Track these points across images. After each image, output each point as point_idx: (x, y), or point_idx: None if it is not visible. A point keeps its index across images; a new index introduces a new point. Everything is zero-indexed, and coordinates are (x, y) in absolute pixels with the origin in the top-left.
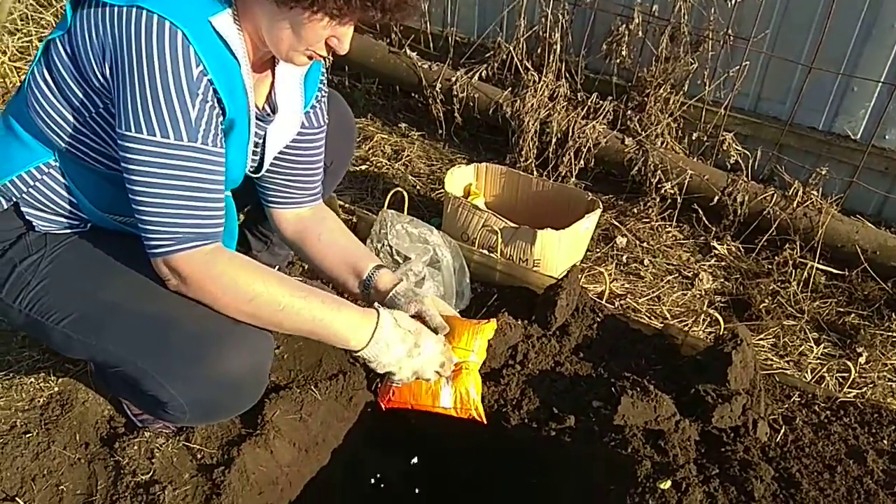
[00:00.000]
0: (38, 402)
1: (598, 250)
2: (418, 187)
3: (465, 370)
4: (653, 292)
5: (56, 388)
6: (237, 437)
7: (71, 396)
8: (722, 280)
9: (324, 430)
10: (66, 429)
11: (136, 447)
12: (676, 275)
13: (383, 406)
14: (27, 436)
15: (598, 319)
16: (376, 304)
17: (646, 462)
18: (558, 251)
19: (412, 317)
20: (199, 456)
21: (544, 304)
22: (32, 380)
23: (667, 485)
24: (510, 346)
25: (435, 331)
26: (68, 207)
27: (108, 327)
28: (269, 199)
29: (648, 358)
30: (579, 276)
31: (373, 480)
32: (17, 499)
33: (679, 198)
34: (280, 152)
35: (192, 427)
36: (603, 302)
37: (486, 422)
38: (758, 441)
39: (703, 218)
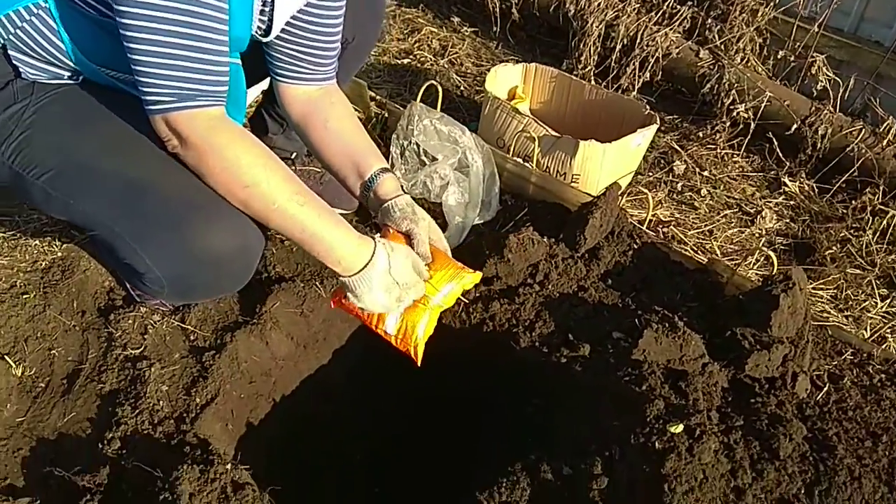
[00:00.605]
0: (41, 265)
1: (650, 174)
2: (462, 88)
3: (422, 306)
4: (705, 226)
5: (59, 254)
6: (233, 323)
7: (73, 263)
8: (787, 221)
9: (325, 328)
10: (64, 294)
11: (130, 321)
12: (736, 210)
13: (332, 304)
14: (24, 297)
15: (635, 246)
16: (377, 236)
17: (658, 402)
18: (601, 167)
19: (401, 233)
20: (192, 337)
21: (575, 223)
22: (37, 242)
23: (678, 429)
24: (531, 265)
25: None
26: (57, 55)
27: (86, 186)
28: (278, 71)
29: (685, 294)
30: (620, 196)
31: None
32: (6, 357)
33: (752, 123)
34: (293, 17)
35: (189, 307)
36: (644, 228)
37: (419, 364)
38: (794, 396)
39: (777, 149)
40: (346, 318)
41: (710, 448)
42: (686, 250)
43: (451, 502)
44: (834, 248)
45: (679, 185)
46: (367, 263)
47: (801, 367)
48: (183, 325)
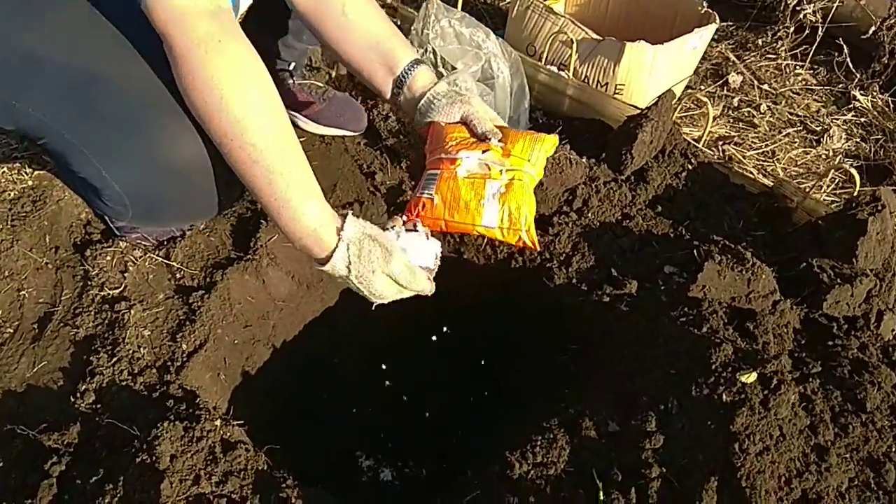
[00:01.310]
0: (9, 195)
1: (702, 88)
2: None
3: (519, 182)
4: (766, 145)
5: (30, 183)
6: (225, 259)
7: (45, 193)
8: (858, 140)
9: None
10: (35, 228)
11: (108, 258)
12: (800, 128)
13: (411, 218)
14: None
15: (690, 167)
16: (349, 215)
17: (726, 346)
18: (651, 74)
19: (457, 123)
20: (178, 275)
21: (620, 139)
22: (5, 170)
23: (751, 378)
24: (567, 189)
25: (484, 136)
26: None
27: (31, 80)
28: None
29: (749, 221)
30: (673, 107)
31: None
32: None
33: (821, 28)
34: None
35: (175, 241)
36: (700, 146)
37: (537, 247)
38: (880, 338)
39: (848, 59)
40: None
41: (787, 400)
42: (747, 171)
43: (477, 464)
44: None
45: (735, 100)
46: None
47: (888, 304)
48: (168, 262)
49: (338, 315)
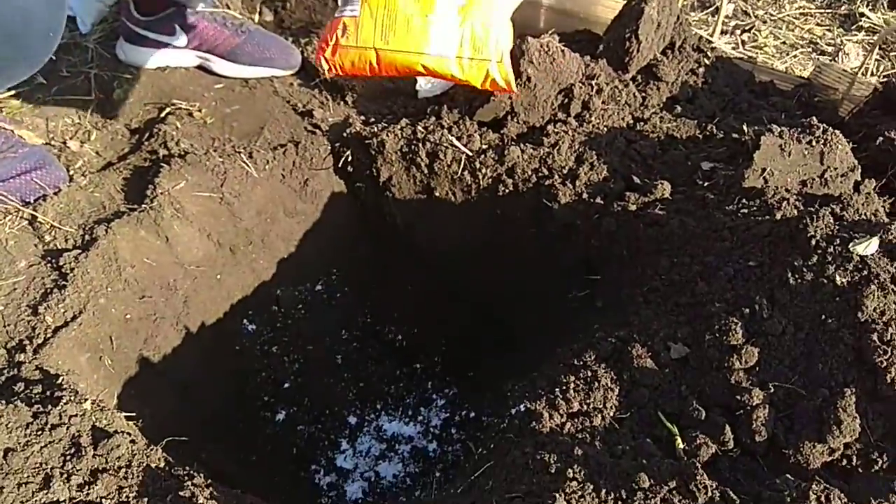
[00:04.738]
0: None
1: (691, 14)
2: None
3: None
4: (780, 64)
5: None
6: (112, 214)
7: None
8: (877, 59)
9: (263, 223)
10: None
11: None
12: (809, 50)
13: (326, 63)
14: None
15: (707, 62)
16: None
17: (825, 215)
18: None
19: None
20: (48, 237)
21: (621, 24)
22: None
23: (871, 247)
24: (562, 90)
25: None
26: None
27: None
28: None
29: (793, 115)
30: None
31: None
32: None
33: None
34: None
35: (45, 199)
36: (715, 40)
37: (514, 89)
38: None
39: None
40: (290, 211)
41: None
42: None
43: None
44: None
45: (731, 23)
46: None
47: None
48: (36, 221)
49: (276, 288)
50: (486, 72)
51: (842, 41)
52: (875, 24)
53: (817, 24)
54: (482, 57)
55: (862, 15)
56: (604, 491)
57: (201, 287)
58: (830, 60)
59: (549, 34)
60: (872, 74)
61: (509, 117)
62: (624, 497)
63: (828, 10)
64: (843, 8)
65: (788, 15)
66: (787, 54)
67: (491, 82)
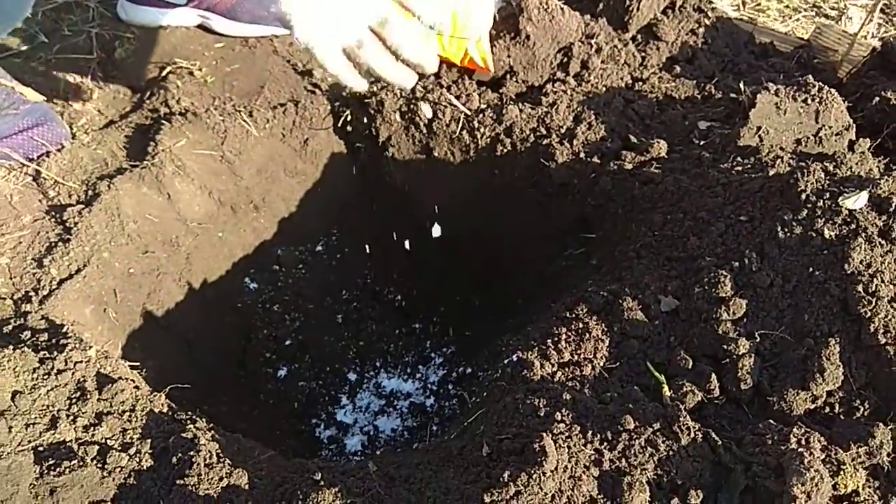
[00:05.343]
0: None
1: None
2: None
3: None
4: (782, 28)
5: None
6: (115, 170)
7: None
8: (880, 23)
9: (263, 182)
10: None
11: None
12: (812, 14)
13: None
14: None
15: (707, 22)
16: None
17: (815, 170)
18: None
19: None
20: (52, 192)
21: None
22: None
23: (859, 201)
24: (561, 49)
25: None
26: None
27: None
28: None
29: (791, 76)
30: None
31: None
32: None
33: None
34: None
35: (48, 155)
36: (716, 1)
37: (491, 68)
38: None
39: None
40: (291, 171)
41: None
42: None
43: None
44: None
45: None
46: None
47: None
48: (40, 176)
49: (279, 247)
50: (465, 50)
51: (845, 5)
52: None
53: None
54: (462, 35)
55: None
56: (590, 432)
57: (203, 244)
58: (835, 21)
59: None
60: (873, 37)
61: (508, 76)
62: (609, 438)
63: None
64: None
65: None
66: (790, 17)
67: (469, 60)
